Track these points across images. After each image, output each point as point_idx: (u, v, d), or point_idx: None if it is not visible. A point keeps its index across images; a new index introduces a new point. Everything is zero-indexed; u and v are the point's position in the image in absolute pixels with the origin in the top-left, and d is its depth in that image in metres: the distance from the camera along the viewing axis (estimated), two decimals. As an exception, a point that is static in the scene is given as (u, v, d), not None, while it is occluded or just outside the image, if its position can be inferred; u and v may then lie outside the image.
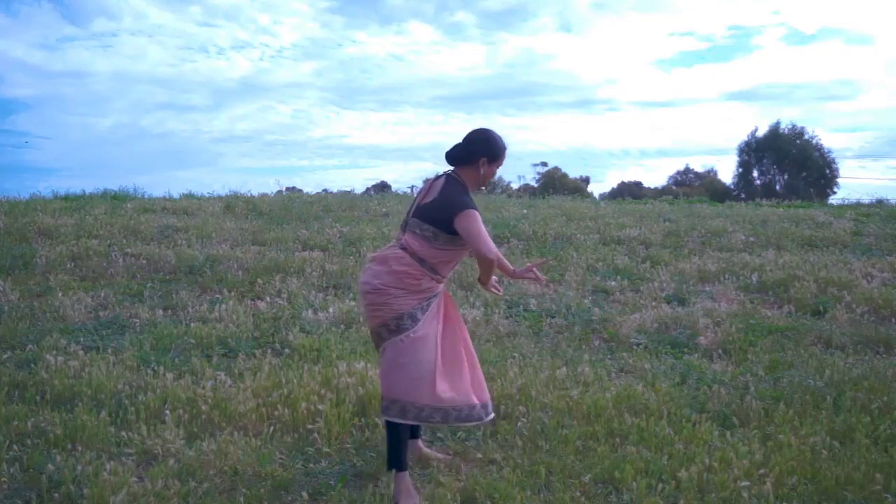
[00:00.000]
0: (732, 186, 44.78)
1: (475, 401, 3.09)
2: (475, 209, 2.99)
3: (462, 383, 3.08)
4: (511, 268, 3.20)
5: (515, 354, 4.89)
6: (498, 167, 3.17)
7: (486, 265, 3.08)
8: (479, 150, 3.09)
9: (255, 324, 5.54)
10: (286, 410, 3.74)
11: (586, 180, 47.99)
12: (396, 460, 3.07)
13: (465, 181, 3.10)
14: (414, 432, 3.33)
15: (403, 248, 3.07)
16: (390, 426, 3.07)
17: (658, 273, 7.43)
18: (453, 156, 3.13)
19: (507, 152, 3.17)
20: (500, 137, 3.17)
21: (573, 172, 48.38)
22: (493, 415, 3.21)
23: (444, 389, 3.01)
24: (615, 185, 47.30)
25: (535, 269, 3.26)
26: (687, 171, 51.80)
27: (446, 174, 3.14)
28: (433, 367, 3.00)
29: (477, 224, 2.97)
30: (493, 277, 3.25)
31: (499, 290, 3.35)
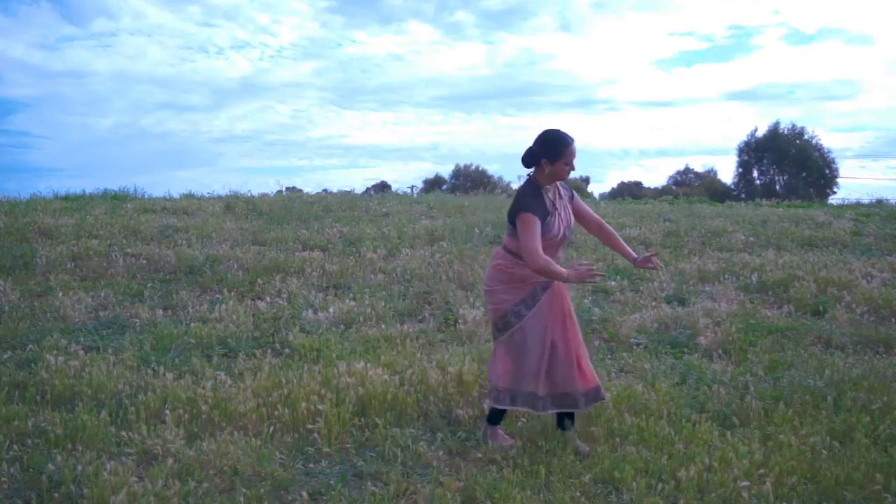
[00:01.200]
0: (732, 186, 44.79)
1: (579, 389, 3.44)
2: (530, 212, 3.26)
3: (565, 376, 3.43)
4: (563, 272, 3.25)
5: (515, 354, 4.88)
6: (566, 163, 3.36)
7: (536, 272, 3.29)
8: (537, 153, 3.37)
9: (255, 324, 5.54)
10: (286, 410, 3.74)
11: (586, 180, 47.95)
12: (495, 419, 3.59)
13: (539, 181, 3.39)
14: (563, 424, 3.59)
15: (502, 246, 3.50)
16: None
17: (658, 273, 7.43)
18: (523, 160, 3.44)
19: (567, 147, 3.35)
20: (558, 135, 3.37)
21: (573, 172, 48.34)
22: (597, 401, 3.58)
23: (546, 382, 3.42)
24: (615, 185, 47.30)
25: (653, 258, 3.54)
26: (687, 171, 51.82)
27: (527, 175, 3.47)
28: (537, 361, 3.39)
29: (526, 227, 3.25)
30: (651, 258, 3.53)
31: (655, 265, 3.60)
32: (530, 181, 3.43)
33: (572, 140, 3.37)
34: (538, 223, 3.26)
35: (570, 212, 3.50)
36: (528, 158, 3.41)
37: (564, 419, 3.57)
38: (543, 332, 3.38)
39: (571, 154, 3.36)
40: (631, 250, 3.60)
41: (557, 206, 3.41)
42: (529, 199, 3.33)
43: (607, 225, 3.67)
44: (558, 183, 3.47)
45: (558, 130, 3.39)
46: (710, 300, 6.62)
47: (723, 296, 6.75)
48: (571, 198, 3.54)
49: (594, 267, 3.31)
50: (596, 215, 3.67)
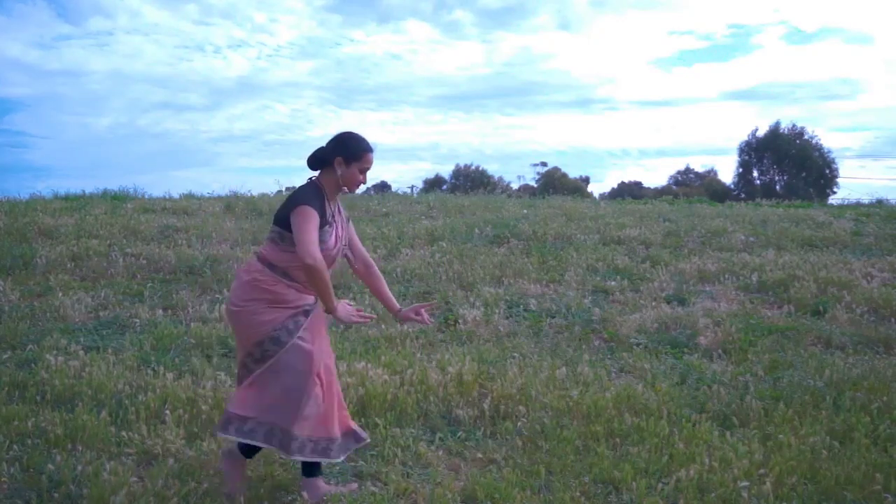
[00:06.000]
0: (732, 186, 44.82)
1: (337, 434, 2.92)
2: (310, 206, 2.78)
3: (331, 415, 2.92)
4: (333, 299, 2.85)
5: (515, 354, 4.89)
6: (362, 170, 2.94)
7: (306, 273, 2.76)
8: (330, 152, 2.93)
9: (255, 324, 5.53)
10: (286, 410, 3.73)
11: (586, 180, 48.07)
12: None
13: (324, 186, 2.93)
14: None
15: (256, 256, 2.95)
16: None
17: (658, 273, 7.43)
18: (310, 160, 2.97)
19: (366, 151, 2.94)
20: (359, 137, 2.97)
21: (573, 172, 48.39)
22: (363, 441, 3.06)
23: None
24: (615, 185, 47.39)
25: (423, 311, 3.13)
26: (687, 171, 51.88)
27: (309, 179, 2.98)
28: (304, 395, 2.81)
29: (305, 221, 2.75)
30: (420, 310, 3.12)
31: (425, 320, 3.15)
32: (313, 183, 2.94)
33: (373, 148, 2.97)
34: (317, 220, 2.78)
35: (346, 234, 3.05)
36: (318, 157, 2.94)
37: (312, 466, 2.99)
38: (310, 361, 2.85)
39: (369, 161, 2.94)
40: (394, 300, 3.18)
41: (336, 219, 2.96)
42: (313, 197, 2.83)
43: (375, 266, 3.21)
44: (338, 199, 3.02)
45: (360, 134, 2.98)
46: (710, 300, 6.62)
47: (723, 296, 6.75)
48: (348, 221, 3.10)
49: (363, 311, 2.98)
50: (366, 254, 3.21)
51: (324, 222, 2.84)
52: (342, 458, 2.96)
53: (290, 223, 2.78)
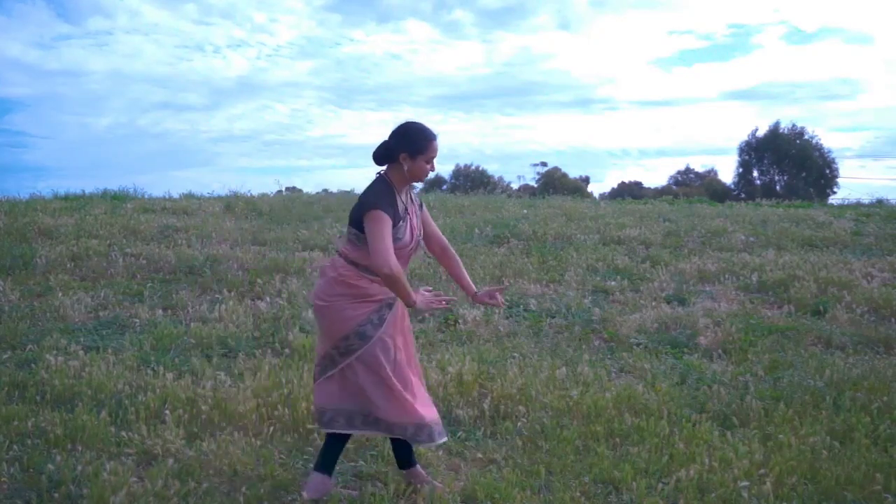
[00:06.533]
0: (732, 186, 44.82)
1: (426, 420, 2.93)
2: (381, 210, 2.78)
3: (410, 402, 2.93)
4: (412, 292, 2.84)
5: (515, 354, 4.89)
6: (428, 160, 2.91)
7: (384, 281, 2.79)
8: (394, 147, 2.90)
9: (255, 324, 5.54)
10: (286, 410, 3.73)
11: (586, 180, 48.05)
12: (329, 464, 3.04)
13: (393, 180, 2.93)
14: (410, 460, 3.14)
15: (338, 253, 2.98)
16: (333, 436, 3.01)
17: (658, 273, 7.43)
18: (375, 155, 2.96)
19: (430, 141, 2.91)
20: (421, 128, 2.94)
21: (573, 172, 48.38)
22: (443, 438, 3.02)
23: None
24: (615, 185, 47.36)
25: (497, 294, 3.10)
26: (687, 171, 51.85)
27: (377, 174, 2.98)
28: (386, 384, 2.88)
29: (378, 226, 2.76)
30: (495, 293, 3.09)
31: (496, 302, 3.15)
32: (382, 179, 2.94)
33: (436, 135, 2.93)
34: (390, 224, 2.78)
35: (420, 222, 3.05)
36: (383, 153, 2.93)
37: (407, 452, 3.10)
38: (392, 353, 2.90)
39: (434, 150, 2.91)
40: (471, 282, 3.16)
41: (410, 211, 2.96)
42: (381, 198, 2.84)
43: (452, 249, 3.21)
44: (411, 187, 3.04)
45: (421, 123, 2.95)
46: (710, 300, 6.62)
47: (723, 296, 6.75)
48: (421, 207, 3.08)
49: (444, 295, 2.94)
50: (443, 236, 3.19)
51: (396, 217, 2.85)
52: (442, 440, 3.00)
53: (364, 226, 2.81)
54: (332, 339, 2.91)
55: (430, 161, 2.91)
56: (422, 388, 3.05)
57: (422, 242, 3.08)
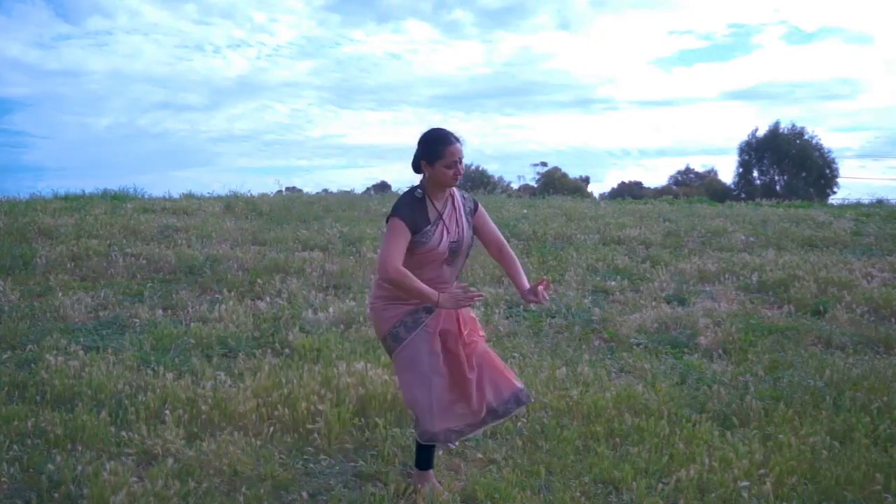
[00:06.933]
0: (732, 186, 44.75)
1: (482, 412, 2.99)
2: (398, 217, 2.84)
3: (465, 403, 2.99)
4: (431, 291, 2.83)
5: (515, 354, 4.89)
6: (448, 165, 2.89)
7: (390, 284, 2.87)
8: (417, 156, 2.95)
9: (255, 324, 5.54)
10: (286, 410, 3.73)
11: (586, 180, 47.95)
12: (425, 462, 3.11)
13: (427, 188, 2.96)
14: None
15: None
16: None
17: (658, 273, 7.43)
18: (412, 164, 3.01)
19: (461, 144, 2.91)
20: (437, 133, 2.94)
21: (573, 172, 48.29)
22: (514, 409, 3.08)
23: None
24: (615, 185, 47.25)
25: (540, 289, 2.97)
26: (687, 171, 51.75)
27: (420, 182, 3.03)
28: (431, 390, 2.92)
29: (388, 232, 2.84)
30: (537, 288, 2.97)
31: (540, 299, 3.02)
32: (414, 187, 3.00)
33: (456, 139, 2.91)
34: (405, 231, 2.82)
35: (468, 225, 3.04)
36: (413, 162, 2.98)
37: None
38: (428, 356, 2.93)
39: (453, 154, 2.87)
40: (525, 281, 3.08)
41: (445, 216, 2.96)
42: (405, 205, 2.90)
43: (509, 249, 3.19)
44: (457, 192, 3.05)
45: (440, 128, 2.95)
46: (710, 300, 6.62)
47: (723, 296, 6.75)
48: (474, 210, 3.08)
49: (471, 288, 2.91)
50: (500, 236, 3.17)
51: (423, 222, 2.88)
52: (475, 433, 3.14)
53: None
54: (380, 339, 3.10)
55: (451, 166, 2.89)
56: (474, 385, 2.98)
57: (467, 245, 3.05)
